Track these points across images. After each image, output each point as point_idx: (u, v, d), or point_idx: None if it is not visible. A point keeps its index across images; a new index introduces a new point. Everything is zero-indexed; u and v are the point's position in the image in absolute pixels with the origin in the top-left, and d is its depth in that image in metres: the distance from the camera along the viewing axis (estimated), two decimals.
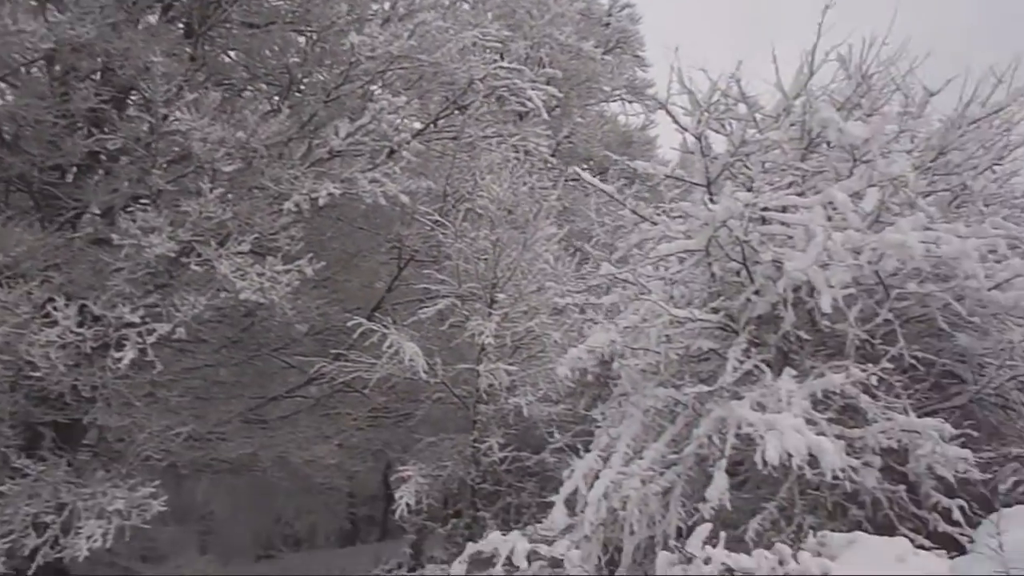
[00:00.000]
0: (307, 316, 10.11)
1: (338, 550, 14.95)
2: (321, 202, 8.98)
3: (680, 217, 7.08)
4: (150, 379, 8.43)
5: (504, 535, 4.32)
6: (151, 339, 7.89)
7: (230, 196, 8.83)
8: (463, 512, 9.88)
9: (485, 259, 10.07)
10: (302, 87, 10.25)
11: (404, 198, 9.63)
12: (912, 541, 5.57)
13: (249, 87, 10.55)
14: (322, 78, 10.11)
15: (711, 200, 6.97)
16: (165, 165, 9.01)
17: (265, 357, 10.91)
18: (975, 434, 6.44)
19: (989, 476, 6.28)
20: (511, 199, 10.26)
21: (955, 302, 6.54)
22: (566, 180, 12.01)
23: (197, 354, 10.18)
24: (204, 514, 14.86)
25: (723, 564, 4.10)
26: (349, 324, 9.37)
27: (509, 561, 4.27)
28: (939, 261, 6.47)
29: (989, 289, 6.46)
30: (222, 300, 8.67)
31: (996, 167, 7.88)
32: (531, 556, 5.41)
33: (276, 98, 10.09)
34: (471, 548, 4.14)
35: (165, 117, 8.61)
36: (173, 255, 8.45)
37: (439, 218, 10.39)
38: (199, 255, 8.47)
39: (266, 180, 9.11)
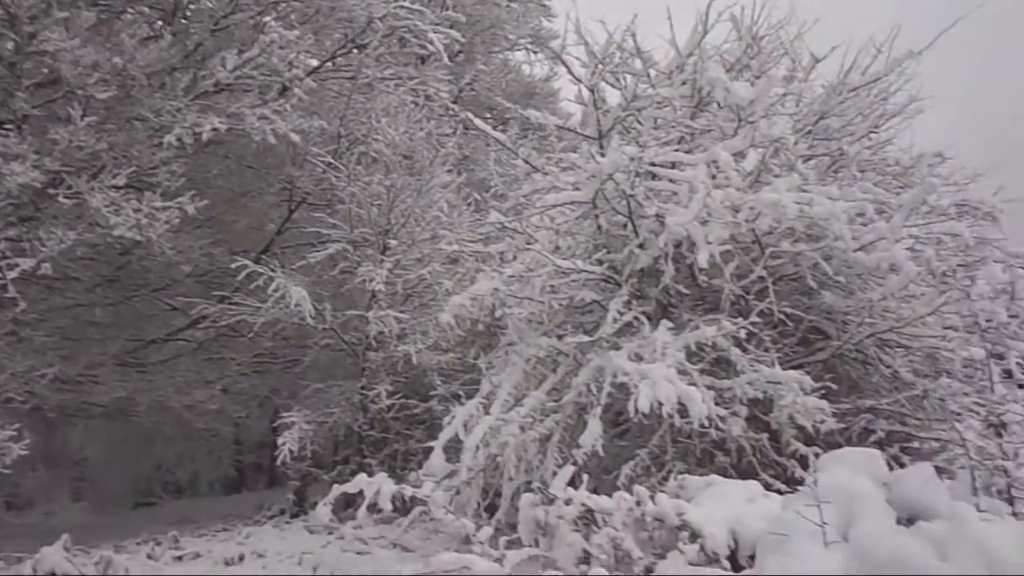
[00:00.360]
0: (190, 256, 9.74)
1: (222, 497, 14.68)
2: (205, 137, 8.60)
3: (569, 169, 7.10)
4: (12, 317, 7.94)
5: (371, 477, 4.29)
6: (12, 274, 7.43)
7: (107, 126, 8.34)
8: (349, 459, 9.84)
9: (379, 204, 9.89)
10: (188, 13, 9.71)
11: (295, 138, 9.33)
12: (770, 486, 5.89)
13: (129, 9, 9.88)
14: (210, 5, 9.61)
15: (601, 153, 7.02)
16: (31, 88, 8.38)
17: (144, 298, 10.46)
18: (834, 387, 6.82)
19: (844, 426, 6.68)
20: (407, 144, 10.07)
21: (824, 262, 6.84)
22: (466, 128, 11.86)
23: (67, 292, 9.64)
24: (78, 460, 14.25)
25: (583, 505, 4.20)
26: (234, 266, 9.06)
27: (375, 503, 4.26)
28: (811, 222, 6.72)
29: (855, 250, 6.76)
30: (96, 236, 8.24)
31: (872, 135, 8.23)
32: (412, 500, 5.45)
33: (159, 23, 9.51)
34: (336, 490, 4.09)
35: (32, 36, 7.99)
36: (39, 186, 7.92)
37: (332, 160, 10.11)
38: (69, 187, 7.98)
39: (145, 111, 8.63)
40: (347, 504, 6.08)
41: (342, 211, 10.03)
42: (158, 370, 10.38)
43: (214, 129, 8.56)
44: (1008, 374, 7.27)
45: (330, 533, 8.00)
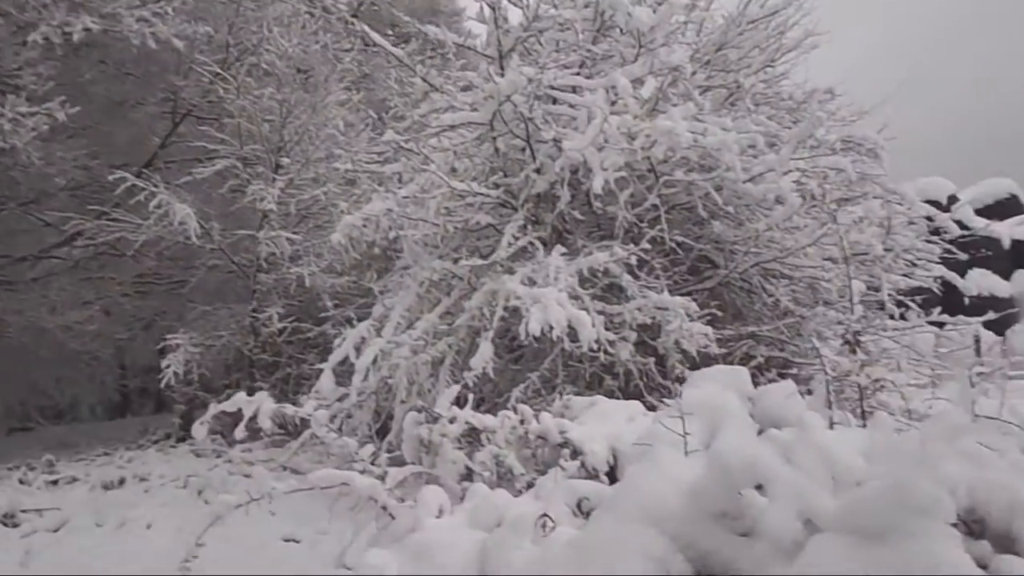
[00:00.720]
0: (63, 168, 9.08)
1: (105, 423, 14.14)
2: (77, 38, 7.93)
3: (467, 89, 6.92)
4: None
5: (250, 395, 4.16)
6: None
7: None
8: (240, 383, 9.59)
9: (271, 120, 9.44)
10: None
11: (179, 44, 8.73)
12: (654, 407, 6.08)
13: None
14: None
15: (501, 73, 6.86)
16: None
17: (13, 211, 9.71)
18: (720, 314, 7.06)
19: (727, 351, 6.94)
20: (302, 57, 9.58)
21: (715, 192, 6.97)
22: (365, 44, 11.36)
23: None
24: None
25: (467, 423, 4.21)
26: (112, 179, 8.48)
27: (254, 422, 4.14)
28: (705, 152, 6.81)
29: (745, 181, 6.91)
30: None
31: (768, 68, 8.35)
32: (303, 423, 5.34)
33: None
34: (214, 408, 3.95)
35: None
36: None
37: (220, 71, 9.53)
38: None
39: (7, 5, 7.88)
40: (236, 427, 5.94)
41: (231, 125, 9.51)
42: (30, 289, 9.73)
43: (86, 29, 7.90)
44: (881, 305, 7.71)
45: (218, 456, 7.85)
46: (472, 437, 4.39)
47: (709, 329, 6.52)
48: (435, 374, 6.79)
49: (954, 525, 1.79)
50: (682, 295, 6.76)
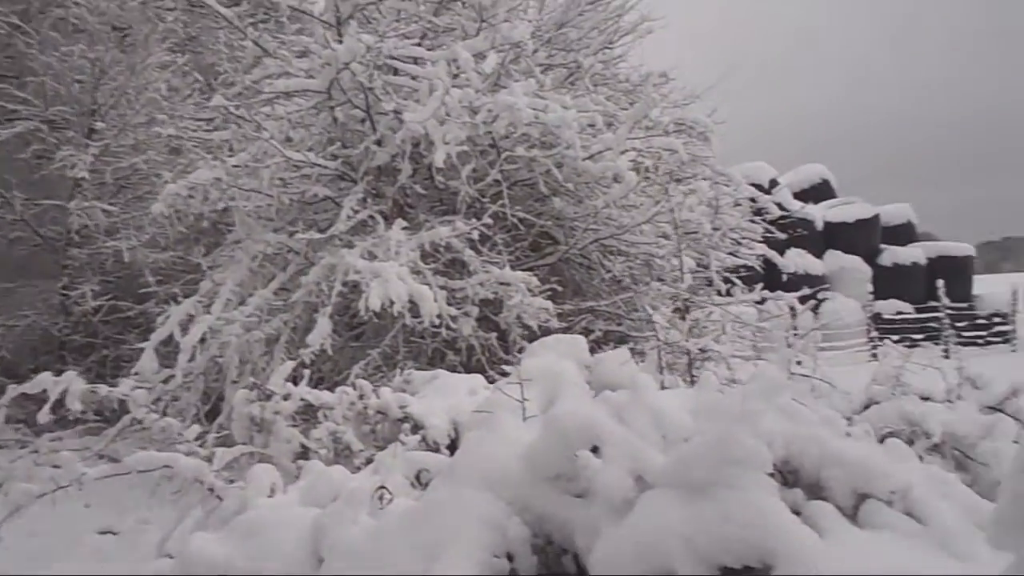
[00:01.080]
0: None
1: None
2: None
3: (303, 55, 6.61)
4: None
5: (57, 376, 3.77)
6: None
7: None
8: (49, 367, 8.74)
9: (82, 81, 8.61)
10: None
11: None
12: (496, 381, 6.13)
13: None
14: None
15: (339, 40, 6.60)
16: None
17: None
18: (560, 289, 7.22)
19: (567, 325, 7.10)
20: (117, 14, 8.79)
21: (556, 169, 7.09)
22: (191, 4, 10.60)
23: None
24: None
25: (303, 400, 4.03)
26: None
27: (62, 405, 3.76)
28: (546, 129, 6.89)
29: (584, 159, 7.07)
30: None
31: (606, 50, 8.57)
32: (120, 406, 4.92)
33: None
34: (13, 390, 3.55)
35: None
36: None
37: (20, 23, 8.56)
38: None
39: None
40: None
41: (34, 84, 8.58)
42: None
43: None
44: (709, 281, 8.17)
45: (22, 447, 7.14)
46: (308, 415, 4.22)
47: (550, 304, 6.64)
48: (269, 352, 6.50)
49: (771, 475, 1.89)
50: (524, 270, 6.85)
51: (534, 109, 6.51)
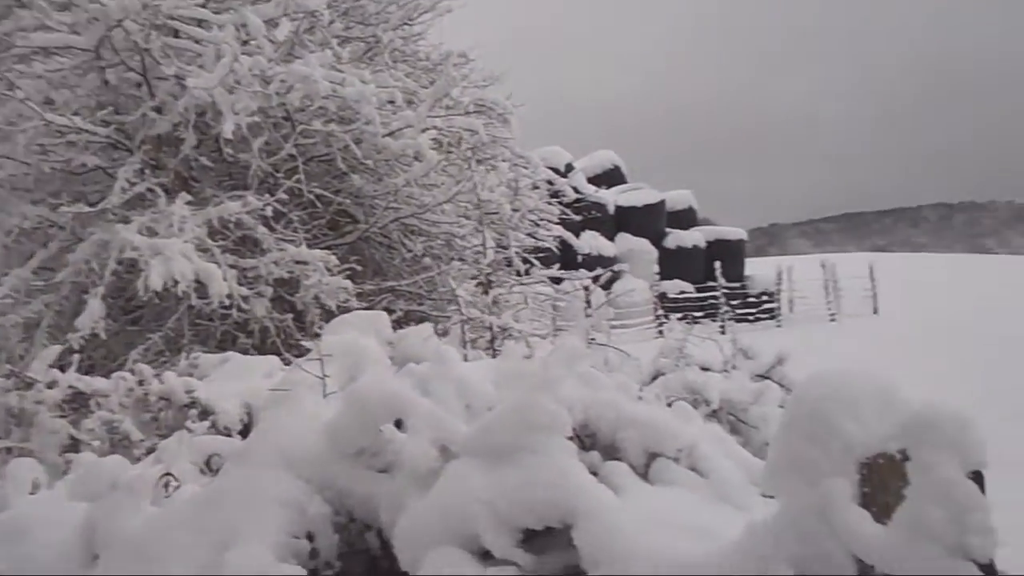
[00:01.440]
0: None
1: None
2: None
3: (66, 8, 5.92)
4: None
5: None
6: None
7: None
8: None
9: None
10: None
11: None
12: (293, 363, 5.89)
13: None
14: None
15: None
16: None
17: None
18: (360, 268, 7.05)
19: (367, 306, 6.97)
20: None
21: (354, 145, 6.91)
22: None
23: None
24: None
25: (71, 388, 3.64)
26: None
27: None
28: (343, 103, 6.68)
29: (384, 135, 6.95)
30: None
31: (406, 26, 8.46)
32: None
33: None
34: None
35: None
36: None
37: None
38: None
39: None
40: None
41: None
42: None
43: None
44: (509, 262, 8.36)
45: None
46: (78, 404, 3.83)
47: (349, 283, 6.48)
48: (29, 338, 5.82)
49: (571, 439, 1.95)
50: (322, 249, 6.63)
51: (331, 82, 6.30)
